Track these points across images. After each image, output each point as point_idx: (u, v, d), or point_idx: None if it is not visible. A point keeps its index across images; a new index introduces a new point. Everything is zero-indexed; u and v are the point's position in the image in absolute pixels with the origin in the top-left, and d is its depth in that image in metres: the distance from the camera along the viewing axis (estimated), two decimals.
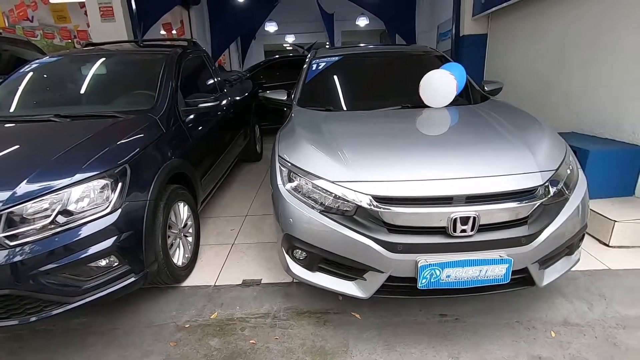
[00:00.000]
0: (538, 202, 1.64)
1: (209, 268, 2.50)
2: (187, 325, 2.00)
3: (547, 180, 1.69)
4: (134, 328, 2.00)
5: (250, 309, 2.10)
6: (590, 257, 2.42)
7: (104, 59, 2.95)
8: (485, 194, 1.60)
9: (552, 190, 1.70)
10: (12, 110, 2.57)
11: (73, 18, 7.92)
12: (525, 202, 1.61)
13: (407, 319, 1.97)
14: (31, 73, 2.84)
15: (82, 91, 2.70)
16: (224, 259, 2.61)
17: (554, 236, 1.67)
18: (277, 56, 8.18)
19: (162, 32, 9.19)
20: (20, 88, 2.72)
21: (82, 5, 7.65)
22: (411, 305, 2.06)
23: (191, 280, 2.37)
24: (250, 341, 1.87)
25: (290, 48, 16.14)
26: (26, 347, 1.90)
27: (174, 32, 9.52)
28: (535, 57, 4.18)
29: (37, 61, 2.94)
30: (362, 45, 3.87)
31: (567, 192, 1.78)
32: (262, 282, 2.33)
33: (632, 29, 2.80)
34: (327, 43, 12.72)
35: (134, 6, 5.47)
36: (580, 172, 1.94)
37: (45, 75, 2.90)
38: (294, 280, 2.30)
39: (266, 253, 2.66)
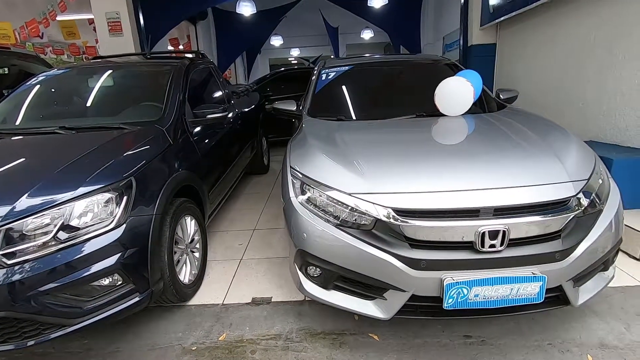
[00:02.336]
0: (572, 215, 1.52)
1: (216, 285, 2.39)
2: (194, 348, 1.87)
3: (580, 191, 1.58)
4: (137, 351, 1.88)
5: (261, 330, 1.97)
6: (620, 272, 2.28)
7: (111, 71, 2.92)
8: (515, 206, 1.49)
9: (585, 201, 1.58)
10: (17, 123, 2.52)
11: (82, 34, 8.03)
12: (559, 214, 1.49)
13: (429, 341, 1.84)
14: (38, 86, 2.81)
15: (89, 103, 2.65)
16: (232, 275, 2.50)
17: (589, 251, 1.54)
18: (282, 68, 8.20)
19: (170, 47, 9.31)
20: (27, 101, 2.67)
21: (91, 21, 7.77)
22: (433, 326, 1.92)
23: (198, 299, 2.25)
24: None
25: (295, 62, 16.30)
26: None
27: (181, 46, 9.64)
28: (546, 66, 4.10)
29: (44, 74, 2.91)
30: (370, 55, 3.81)
31: (599, 203, 1.66)
32: (272, 300, 2.21)
33: None
34: (332, 56, 12.82)
35: (142, 21, 5.53)
36: (612, 182, 1.82)
37: (51, 88, 2.87)
38: (306, 299, 2.18)
39: (276, 269, 2.54)
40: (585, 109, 3.47)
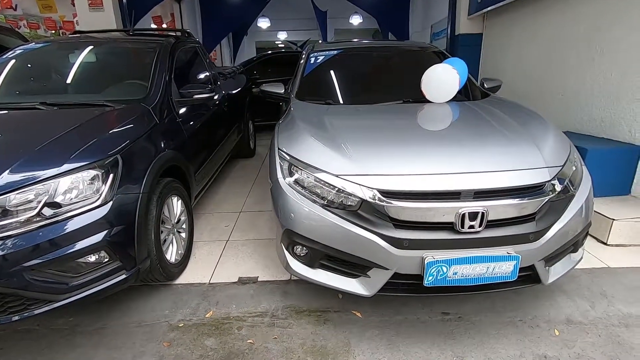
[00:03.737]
0: (546, 198, 1.60)
1: (203, 265, 2.41)
2: (180, 325, 1.91)
3: (555, 177, 1.66)
4: (124, 328, 1.90)
5: (247, 308, 2.02)
6: (589, 255, 2.42)
7: (93, 46, 2.82)
8: (494, 189, 1.56)
9: (559, 186, 1.67)
10: None
11: (59, 8, 7.65)
12: (534, 198, 1.58)
13: (409, 318, 1.93)
14: (15, 60, 2.70)
15: (70, 79, 2.57)
16: (219, 256, 2.53)
17: (561, 233, 1.64)
18: (270, 52, 8.08)
19: (153, 24, 8.98)
20: (3, 75, 2.57)
21: None
22: (413, 304, 2.01)
23: (184, 278, 2.28)
24: (248, 341, 1.79)
25: (283, 45, 16.01)
26: (7, 348, 1.79)
27: (164, 25, 9.32)
28: (530, 56, 4.19)
29: (21, 47, 2.80)
30: (359, 40, 3.81)
31: (572, 189, 1.76)
32: (258, 279, 2.26)
33: (630, 29, 2.81)
34: (320, 41, 12.65)
35: None
36: (585, 169, 1.92)
37: (31, 62, 2.76)
38: (292, 278, 2.23)
39: (262, 250, 2.58)
40: (565, 99, 3.58)
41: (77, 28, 5.73)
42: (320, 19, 11.23)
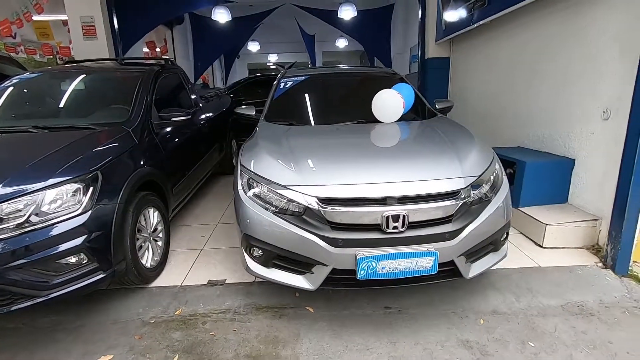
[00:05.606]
0: (460, 203, 1.89)
1: (177, 270, 2.66)
2: (152, 321, 2.14)
3: (470, 185, 1.95)
4: (101, 325, 2.13)
5: (213, 306, 2.26)
6: (525, 256, 2.70)
7: (83, 75, 3.15)
8: (413, 195, 1.85)
9: (474, 193, 1.96)
10: None
11: (56, 35, 8.07)
12: (448, 202, 1.87)
13: (355, 312, 2.18)
14: (12, 88, 3.01)
15: (61, 105, 2.88)
16: (192, 262, 2.78)
17: (476, 233, 1.92)
18: (258, 74, 8.49)
19: (145, 49, 9.43)
20: (0, 102, 2.87)
21: (66, 22, 7.84)
22: (360, 300, 2.26)
23: (159, 282, 2.52)
24: (210, 333, 2.03)
25: (273, 67, 16.58)
26: None
27: (157, 49, 9.78)
28: (489, 80, 4.58)
29: (18, 77, 3.12)
30: (329, 66, 4.18)
31: (490, 195, 2.05)
32: (226, 282, 2.50)
33: (562, 59, 3.18)
34: (310, 63, 13.19)
35: (116, 25, 5.70)
36: (505, 178, 2.21)
37: (25, 90, 3.07)
38: (256, 280, 2.48)
39: (233, 257, 2.83)
40: (515, 118, 3.94)
41: (72, 54, 6.07)
42: (308, 42, 11.78)
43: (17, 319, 2.17)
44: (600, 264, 2.58)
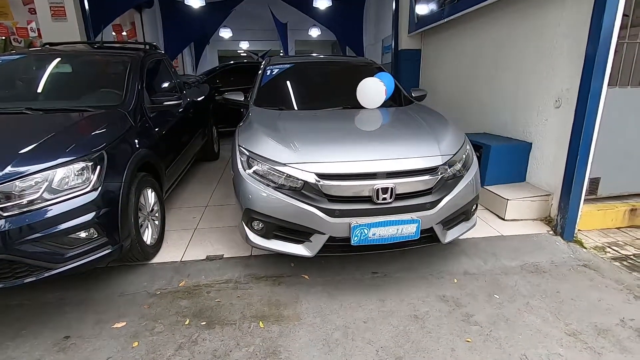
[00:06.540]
0: (438, 177, 2.19)
1: (174, 248, 2.79)
2: (158, 292, 2.28)
3: (446, 162, 2.25)
4: (108, 298, 2.24)
5: (214, 277, 2.43)
6: (490, 228, 3.08)
7: (68, 58, 3.13)
8: (400, 171, 2.12)
9: (450, 169, 2.26)
10: None
11: (15, 14, 7.59)
12: (428, 177, 2.15)
13: (346, 277, 2.43)
14: None
15: (50, 88, 2.86)
16: (188, 240, 2.91)
17: (451, 203, 2.22)
18: (232, 62, 8.46)
19: (113, 33, 9.05)
20: None
21: (27, 1, 7.40)
22: (349, 267, 2.52)
23: (159, 258, 2.64)
24: (216, 300, 2.21)
25: (245, 55, 16.37)
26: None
27: (123, 33, 9.41)
28: (457, 71, 4.95)
29: (1, 58, 3.04)
30: (311, 55, 4.36)
31: (462, 171, 2.36)
32: (224, 256, 2.67)
33: (518, 52, 3.56)
34: (282, 51, 13.19)
35: (87, 7, 5.50)
36: (475, 158, 2.53)
37: (9, 72, 3.01)
38: (253, 253, 2.67)
39: (227, 235, 2.99)
40: (481, 108, 4.33)
41: (32, 36, 5.73)
42: (281, 30, 11.78)
43: (17, 297, 2.22)
44: (551, 232, 3.00)
